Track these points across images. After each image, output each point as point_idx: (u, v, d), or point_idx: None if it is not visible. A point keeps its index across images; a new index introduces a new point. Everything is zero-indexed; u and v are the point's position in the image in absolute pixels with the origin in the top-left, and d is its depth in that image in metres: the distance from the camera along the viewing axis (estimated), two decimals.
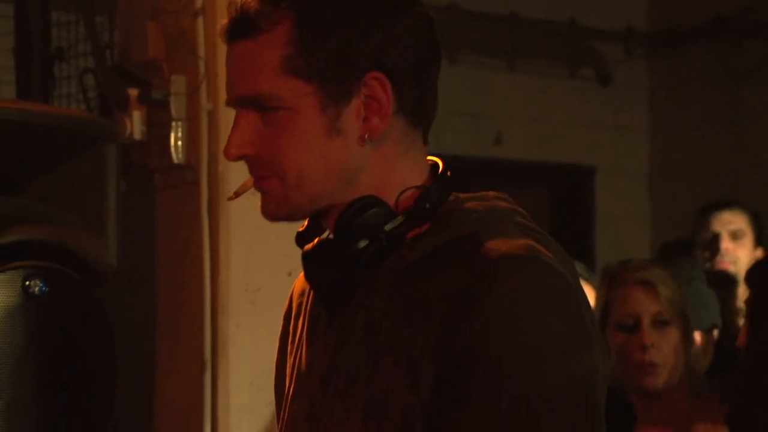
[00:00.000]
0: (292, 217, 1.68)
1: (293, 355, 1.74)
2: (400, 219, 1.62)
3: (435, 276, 1.57)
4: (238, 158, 1.67)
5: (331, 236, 1.66)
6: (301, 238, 1.72)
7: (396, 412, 1.56)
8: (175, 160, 3.90)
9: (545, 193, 6.67)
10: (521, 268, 1.54)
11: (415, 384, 1.54)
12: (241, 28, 1.64)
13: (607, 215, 6.64)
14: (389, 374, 1.57)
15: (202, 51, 3.87)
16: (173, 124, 3.90)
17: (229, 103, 1.68)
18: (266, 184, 1.66)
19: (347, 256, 1.62)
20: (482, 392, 1.49)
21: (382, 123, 1.63)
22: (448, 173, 1.69)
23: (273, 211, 1.67)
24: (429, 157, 1.71)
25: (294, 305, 1.78)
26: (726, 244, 4.47)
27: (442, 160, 1.71)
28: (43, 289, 2.98)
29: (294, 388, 1.72)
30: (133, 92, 3.92)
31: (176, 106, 3.90)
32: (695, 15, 6.56)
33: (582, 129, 6.51)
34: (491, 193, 1.68)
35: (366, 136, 1.62)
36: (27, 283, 2.96)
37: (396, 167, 1.65)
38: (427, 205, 1.63)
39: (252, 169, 1.67)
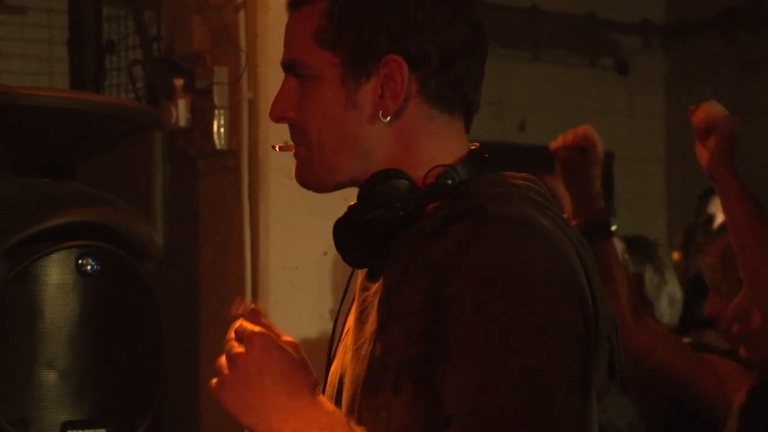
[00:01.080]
0: (316, 187, 1.69)
1: (343, 323, 1.76)
2: (418, 193, 1.62)
3: (437, 242, 1.58)
4: (279, 119, 1.69)
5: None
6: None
7: (393, 368, 1.56)
8: (218, 147, 3.91)
9: None
10: (507, 227, 1.53)
11: (406, 339, 1.55)
12: (294, 1, 1.67)
13: (625, 198, 6.61)
14: (392, 332, 1.58)
15: (243, 43, 3.88)
16: (216, 112, 3.91)
17: (282, 68, 1.71)
18: (298, 150, 1.68)
19: (362, 224, 1.62)
20: (465, 341, 1.48)
21: (394, 103, 1.63)
22: (485, 156, 1.69)
23: (299, 178, 1.69)
24: (472, 144, 1.70)
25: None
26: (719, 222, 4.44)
27: (480, 146, 1.70)
28: (95, 267, 2.99)
29: (335, 351, 1.74)
30: (179, 82, 3.93)
31: (219, 95, 3.91)
32: (708, 7, 6.52)
33: (601, 116, 6.47)
34: (517, 174, 1.68)
35: (379, 114, 1.63)
36: (79, 261, 2.97)
37: (418, 147, 1.65)
38: (449, 182, 1.63)
39: (291, 135, 1.70)
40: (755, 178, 5.89)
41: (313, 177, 1.68)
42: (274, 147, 1.79)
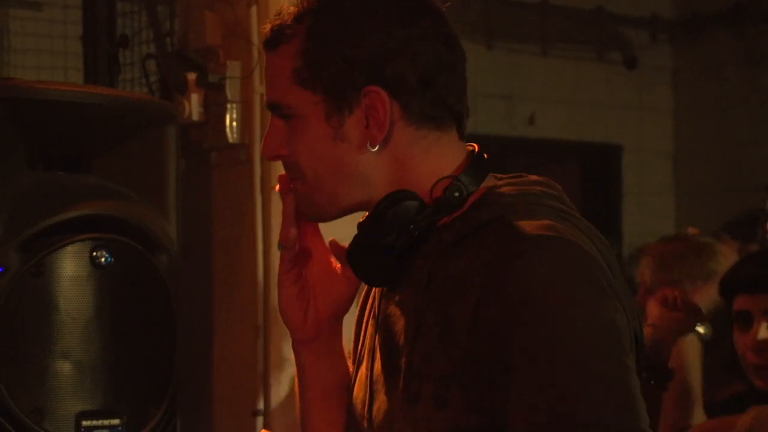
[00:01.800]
0: (320, 217, 1.70)
1: (365, 324, 1.77)
2: (429, 210, 1.63)
3: (466, 256, 1.58)
4: (273, 158, 1.69)
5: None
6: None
7: (431, 381, 1.56)
8: (230, 140, 3.91)
9: (575, 170, 6.63)
10: (543, 246, 1.53)
11: (450, 355, 1.55)
12: (270, 41, 1.67)
13: (633, 190, 6.61)
14: (426, 345, 1.58)
15: (255, 38, 3.87)
16: (228, 106, 3.91)
17: (268, 108, 1.72)
18: (295, 185, 1.68)
19: (380, 247, 1.63)
20: (525, 364, 1.49)
21: (380, 132, 1.63)
22: (485, 156, 1.69)
23: (306, 211, 1.70)
24: (468, 145, 1.70)
25: None
26: None
27: (478, 147, 1.70)
28: (109, 259, 2.99)
29: (359, 357, 1.76)
30: (192, 76, 3.93)
31: (231, 90, 3.91)
32: (716, 2, 6.51)
33: (610, 109, 6.48)
34: (531, 178, 1.68)
35: (367, 143, 1.63)
36: (94, 253, 2.98)
37: (413, 166, 1.65)
38: (456, 194, 1.63)
39: (286, 170, 1.70)
40: (763, 163, 5.90)
41: (314, 208, 1.68)
42: (275, 188, 1.79)
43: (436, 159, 1.65)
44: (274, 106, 1.67)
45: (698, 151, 6.65)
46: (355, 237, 1.66)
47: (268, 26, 1.68)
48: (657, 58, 6.65)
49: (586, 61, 6.39)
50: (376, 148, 1.63)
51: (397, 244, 1.62)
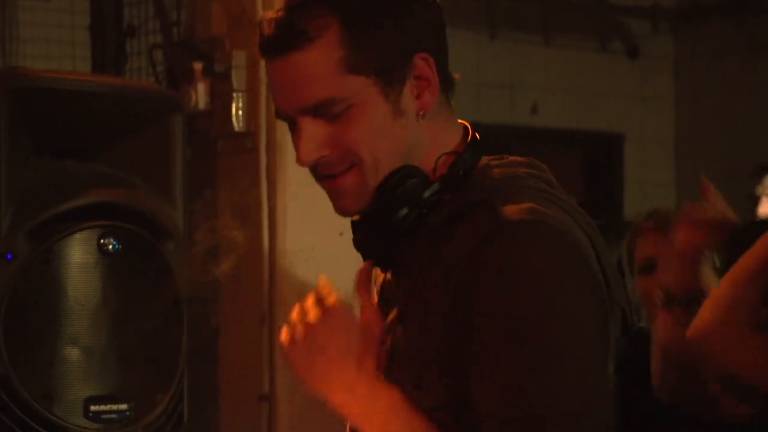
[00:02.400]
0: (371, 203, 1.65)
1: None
2: (436, 186, 1.63)
3: (449, 239, 1.59)
4: (311, 163, 1.64)
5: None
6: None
7: (413, 364, 1.58)
8: (236, 129, 3.92)
9: (577, 159, 6.63)
10: (522, 231, 1.54)
11: (430, 337, 1.56)
12: (286, 42, 1.61)
13: (635, 180, 6.60)
14: (411, 328, 1.60)
15: None
16: (234, 95, 3.91)
17: (279, 116, 1.66)
18: (344, 179, 1.64)
19: (390, 224, 1.62)
20: (494, 350, 1.50)
21: (433, 98, 1.64)
22: (477, 136, 1.70)
23: (353, 205, 1.65)
24: (459, 121, 1.71)
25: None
26: (764, 207, 4.38)
27: (470, 125, 1.71)
28: (116, 246, 3.01)
29: None
30: (198, 66, 3.93)
31: (237, 79, 3.91)
32: None
33: (612, 99, 6.46)
34: (518, 159, 1.68)
35: (421, 112, 1.63)
36: (102, 241, 2.99)
37: (439, 137, 1.66)
38: (460, 172, 1.64)
39: (324, 169, 1.64)
40: (765, 158, 5.89)
41: (369, 196, 1.63)
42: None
43: (448, 130, 1.67)
44: (317, 107, 1.60)
45: (700, 140, 6.65)
46: (364, 213, 1.66)
47: (269, 30, 1.62)
48: (658, 47, 6.63)
49: (588, 51, 6.38)
50: (429, 114, 1.63)
51: (408, 220, 1.62)
